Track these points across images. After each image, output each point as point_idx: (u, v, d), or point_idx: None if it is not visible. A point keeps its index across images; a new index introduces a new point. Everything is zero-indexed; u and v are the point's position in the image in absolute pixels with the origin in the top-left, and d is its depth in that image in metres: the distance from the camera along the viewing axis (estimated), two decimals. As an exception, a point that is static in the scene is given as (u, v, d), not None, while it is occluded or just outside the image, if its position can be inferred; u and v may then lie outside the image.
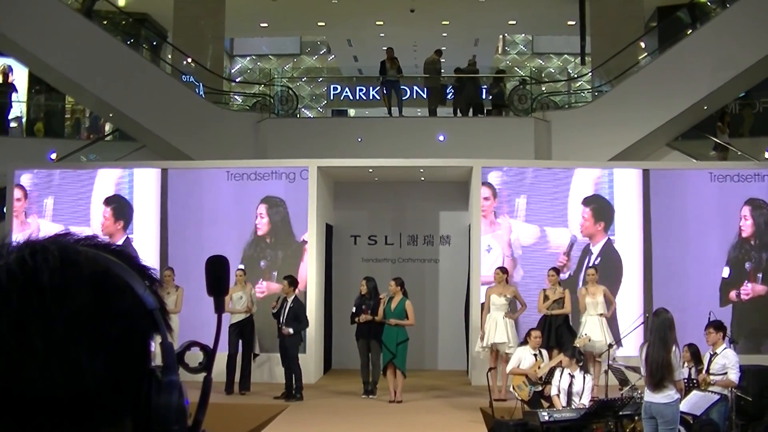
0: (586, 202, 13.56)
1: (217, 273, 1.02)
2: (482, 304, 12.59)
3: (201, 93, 18.34)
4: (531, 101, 17.83)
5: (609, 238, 13.47)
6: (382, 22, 23.29)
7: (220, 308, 1.01)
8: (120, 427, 0.85)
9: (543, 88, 19.91)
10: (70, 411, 0.80)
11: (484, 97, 19.24)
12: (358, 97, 21.67)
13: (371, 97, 21.03)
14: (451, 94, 19.06)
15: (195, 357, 1.00)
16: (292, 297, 12.01)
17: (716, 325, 9.34)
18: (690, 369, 9.43)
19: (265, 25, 24.23)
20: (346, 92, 22.01)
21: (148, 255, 13.11)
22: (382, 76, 18.67)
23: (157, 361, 0.91)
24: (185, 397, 0.90)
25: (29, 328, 0.80)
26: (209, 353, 0.98)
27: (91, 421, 0.82)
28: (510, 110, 17.98)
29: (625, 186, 13.62)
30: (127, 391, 0.85)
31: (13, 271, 0.83)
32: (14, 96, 19.61)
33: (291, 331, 11.80)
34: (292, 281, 12.15)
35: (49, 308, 0.81)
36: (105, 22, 17.91)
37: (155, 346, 0.91)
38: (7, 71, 19.48)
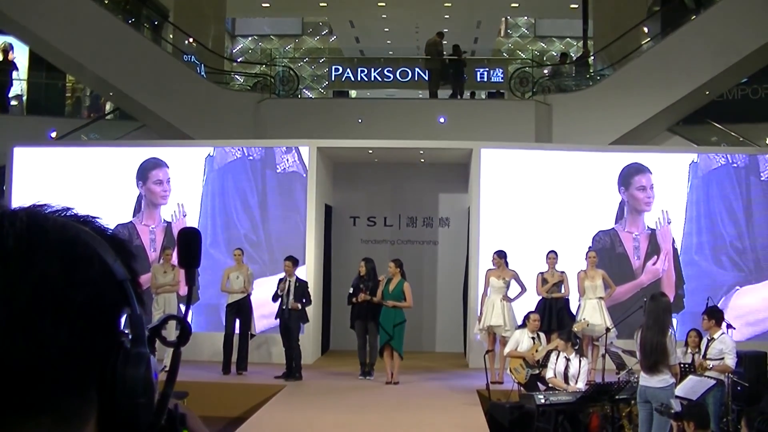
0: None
1: (188, 245, 1.00)
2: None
3: (202, 73, 18.27)
4: (532, 84, 17.78)
5: None
6: (384, 4, 23.19)
7: (191, 281, 0.99)
8: (84, 398, 0.82)
9: (545, 71, 19.85)
10: (32, 380, 0.79)
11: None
12: (359, 78, 21.53)
13: (372, 78, 20.92)
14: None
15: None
16: (294, 277, 12.04)
17: (710, 312, 9.37)
18: (693, 355, 9.43)
19: (267, 5, 24.13)
20: (348, 73, 21.88)
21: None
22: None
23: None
24: (154, 370, 0.88)
25: None
26: (186, 327, 0.96)
27: (54, 390, 0.80)
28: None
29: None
30: (92, 361, 0.83)
31: None
32: (15, 74, 19.55)
33: (299, 305, 11.85)
34: (296, 261, 12.21)
35: (13, 274, 0.80)
36: (106, 1, 17.79)
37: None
38: (8, 49, 19.41)
